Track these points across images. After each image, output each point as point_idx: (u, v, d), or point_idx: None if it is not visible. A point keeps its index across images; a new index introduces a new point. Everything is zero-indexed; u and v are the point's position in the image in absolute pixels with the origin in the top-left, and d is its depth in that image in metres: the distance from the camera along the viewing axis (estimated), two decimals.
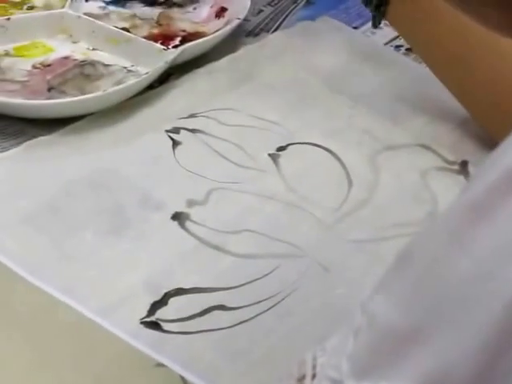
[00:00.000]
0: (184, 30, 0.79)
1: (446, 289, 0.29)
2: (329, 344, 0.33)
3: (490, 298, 0.28)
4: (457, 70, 0.68)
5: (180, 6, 0.83)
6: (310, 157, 0.68)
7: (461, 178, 0.67)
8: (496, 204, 0.28)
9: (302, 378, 0.33)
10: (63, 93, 0.71)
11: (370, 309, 0.31)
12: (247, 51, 0.79)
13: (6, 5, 0.80)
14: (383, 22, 0.72)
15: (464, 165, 0.69)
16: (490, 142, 0.68)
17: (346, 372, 0.31)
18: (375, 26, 0.72)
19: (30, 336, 0.51)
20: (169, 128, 0.69)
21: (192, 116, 0.70)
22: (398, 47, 0.82)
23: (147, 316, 0.53)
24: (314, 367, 0.33)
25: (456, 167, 0.68)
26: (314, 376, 0.33)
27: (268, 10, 0.86)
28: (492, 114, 0.67)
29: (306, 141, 0.69)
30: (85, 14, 0.79)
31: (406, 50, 0.81)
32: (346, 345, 0.32)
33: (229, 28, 0.78)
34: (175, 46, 0.75)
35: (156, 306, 0.54)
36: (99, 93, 0.68)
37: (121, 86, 0.69)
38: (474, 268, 0.28)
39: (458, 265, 0.29)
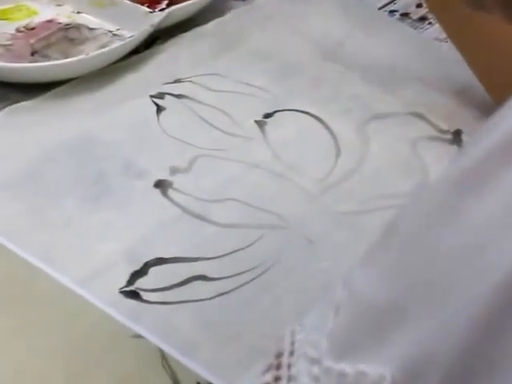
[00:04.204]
0: None
1: (430, 264, 0.27)
2: (308, 319, 0.32)
3: (478, 275, 0.25)
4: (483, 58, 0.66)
5: None
6: (298, 124, 0.67)
7: (454, 147, 0.66)
8: (489, 174, 0.26)
9: (280, 355, 0.31)
10: (46, 57, 0.70)
11: (351, 283, 0.30)
12: (235, 15, 0.78)
13: None
14: None
15: (457, 134, 0.67)
16: (485, 112, 0.66)
17: (324, 351, 0.29)
18: None
19: (5, 303, 0.50)
20: (153, 93, 0.68)
21: (177, 81, 0.69)
22: (392, 12, 0.80)
23: (126, 285, 0.52)
24: (292, 343, 0.31)
25: (449, 136, 0.67)
26: (291, 353, 0.31)
27: None
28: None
29: (294, 108, 0.68)
30: None
31: (401, 15, 0.79)
32: (326, 321, 0.30)
33: None
34: (162, 10, 0.74)
35: (136, 275, 0.53)
36: (82, 56, 0.67)
37: (104, 50, 0.68)
38: (462, 243, 0.26)
39: (444, 239, 0.27)
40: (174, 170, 0.61)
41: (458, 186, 0.27)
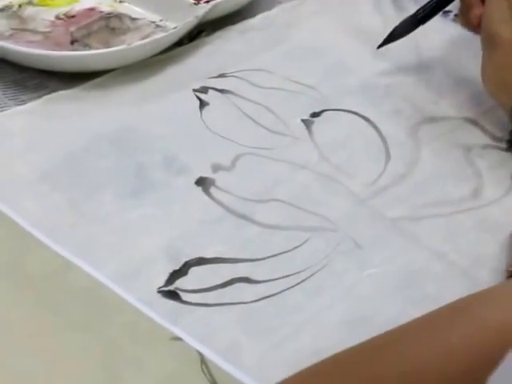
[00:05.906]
0: None
1: None
2: None
3: None
4: None
5: None
6: (346, 125, 0.65)
7: (509, 155, 0.63)
8: None
9: None
10: (87, 46, 0.69)
11: None
12: (283, 10, 0.77)
13: None
14: None
15: None
16: None
17: None
18: None
19: (41, 299, 0.49)
20: (197, 87, 0.66)
21: (222, 76, 0.68)
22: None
23: (165, 285, 0.50)
24: None
25: (503, 144, 0.64)
26: None
27: None
28: None
29: (342, 107, 0.66)
30: None
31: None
32: None
33: None
34: (207, 2, 0.72)
35: (175, 274, 0.51)
36: (124, 46, 0.66)
37: (147, 40, 0.67)
38: None
39: None
40: (216, 168, 0.59)
41: None
